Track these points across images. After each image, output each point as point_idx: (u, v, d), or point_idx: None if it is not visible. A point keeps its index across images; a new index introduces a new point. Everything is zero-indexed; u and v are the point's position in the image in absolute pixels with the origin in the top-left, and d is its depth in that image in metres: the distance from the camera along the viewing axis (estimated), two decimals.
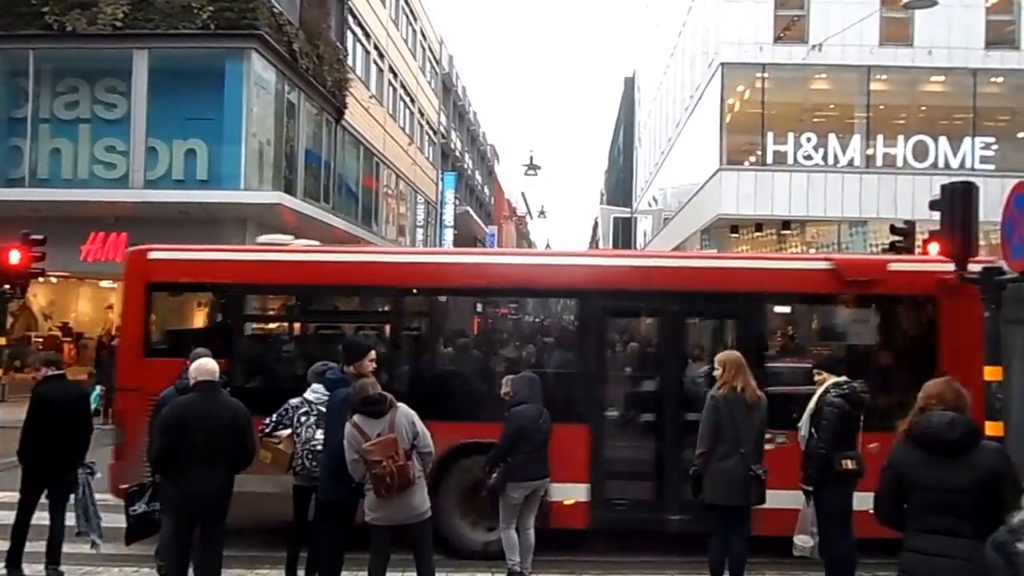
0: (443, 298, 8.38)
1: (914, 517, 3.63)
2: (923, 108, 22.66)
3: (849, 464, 5.73)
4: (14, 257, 11.71)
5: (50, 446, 6.45)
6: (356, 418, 5.38)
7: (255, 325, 8.88)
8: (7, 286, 11.80)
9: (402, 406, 5.54)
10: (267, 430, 6.15)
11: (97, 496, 6.76)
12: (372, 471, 5.19)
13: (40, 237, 12.12)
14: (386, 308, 8.45)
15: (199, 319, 9.23)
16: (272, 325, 9.21)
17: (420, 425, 5.51)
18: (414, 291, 8.07)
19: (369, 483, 5.26)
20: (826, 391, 5.97)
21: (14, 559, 6.49)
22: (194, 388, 5.53)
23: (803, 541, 5.89)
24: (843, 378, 6.03)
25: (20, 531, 6.52)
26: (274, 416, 6.20)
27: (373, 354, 6.15)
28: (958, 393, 3.78)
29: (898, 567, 3.72)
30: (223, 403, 5.55)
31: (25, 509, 6.55)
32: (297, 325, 8.90)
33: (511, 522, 6.40)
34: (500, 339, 8.51)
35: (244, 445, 5.48)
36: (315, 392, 6.18)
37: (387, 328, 8.34)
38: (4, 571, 6.48)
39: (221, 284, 8.06)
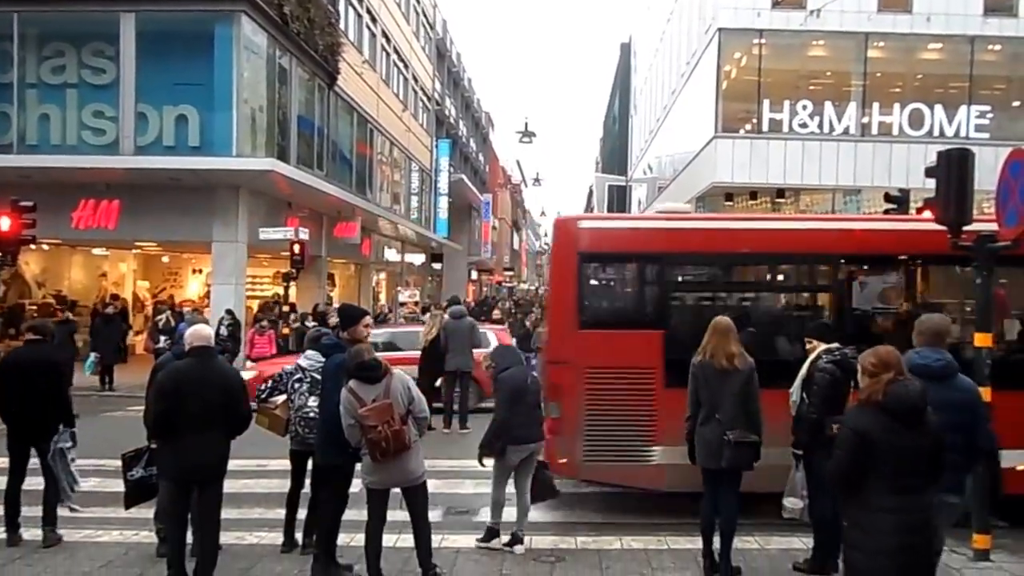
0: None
1: (881, 479, 3.81)
2: (920, 76, 22.55)
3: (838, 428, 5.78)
4: (4, 224, 11.64)
5: (17, 411, 6.54)
6: (352, 383, 5.41)
7: (689, 295, 8.50)
8: None
9: (398, 371, 5.57)
10: (262, 396, 6.22)
11: (81, 462, 6.81)
12: (367, 436, 5.23)
13: (30, 204, 12.03)
14: (831, 277, 7.92)
15: (626, 290, 8.78)
16: (705, 295, 8.64)
17: (416, 391, 5.56)
18: (864, 259, 7.81)
19: (365, 448, 5.31)
20: (818, 357, 6.03)
21: (11, 523, 6.57)
22: (189, 354, 5.53)
23: (793, 504, 5.97)
24: (834, 345, 6.09)
25: (11, 495, 6.59)
26: (269, 382, 6.27)
27: (368, 319, 6.17)
28: (895, 363, 4.02)
29: (862, 527, 3.87)
30: (218, 369, 5.57)
31: (13, 472, 6.62)
32: (732, 295, 8.52)
33: (503, 483, 6.56)
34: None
35: (239, 411, 5.50)
36: (308, 359, 6.25)
37: (828, 297, 7.95)
38: (3, 535, 6.55)
39: (654, 253, 7.78)
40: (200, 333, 5.63)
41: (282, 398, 6.12)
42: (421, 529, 5.64)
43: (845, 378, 5.85)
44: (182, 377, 5.42)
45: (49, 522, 6.59)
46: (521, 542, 6.48)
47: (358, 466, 5.67)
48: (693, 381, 6.09)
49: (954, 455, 4.19)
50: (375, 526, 5.54)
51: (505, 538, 6.54)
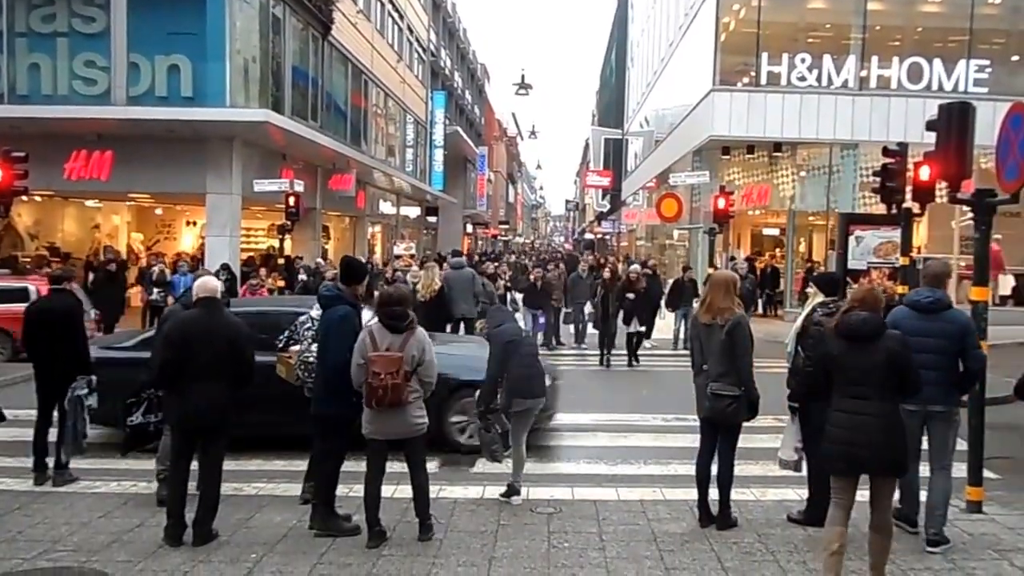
0: None
1: (840, 388, 4.85)
2: (919, 29, 22.21)
3: None
4: None
5: (46, 358, 6.77)
6: (374, 326, 5.51)
7: None
8: None
9: (419, 331, 5.62)
10: (280, 345, 6.39)
11: None
12: (368, 380, 5.32)
13: (22, 154, 11.88)
14: None
15: None
16: None
17: (430, 355, 5.58)
18: None
19: (363, 391, 5.39)
20: (813, 310, 6.05)
21: (38, 464, 6.82)
22: (196, 304, 5.58)
23: (787, 456, 6.06)
24: (830, 298, 6.07)
25: (39, 439, 6.81)
26: (287, 332, 6.42)
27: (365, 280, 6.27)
28: (876, 298, 4.97)
29: (828, 425, 4.87)
30: (225, 320, 5.61)
31: (42, 416, 6.88)
32: None
33: (522, 440, 6.61)
34: None
35: (244, 362, 5.55)
36: (319, 309, 6.24)
37: None
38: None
39: None
40: (207, 285, 5.70)
41: (297, 347, 6.18)
42: (419, 480, 5.70)
43: None
44: (189, 327, 5.48)
45: (60, 465, 6.78)
46: (518, 493, 6.54)
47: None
48: (691, 332, 6.47)
49: (943, 373, 5.41)
50: (374, 476, 5.61)
51: (501, 489, 6.61)
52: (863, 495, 4.90)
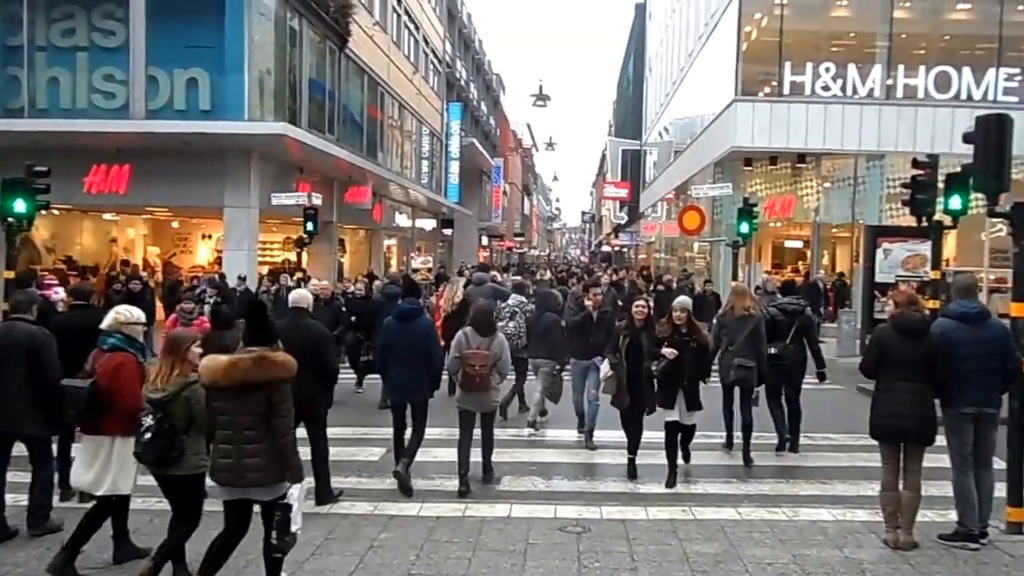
0: None
1: (890, 373, 5.95)
2: (946, 37, 21.90)
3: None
4: (21, 206, 11.37)
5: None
6: (468, 330, 7.47)
7: None
8: (12, 219, 11.58)
9: (500, 335, 7.63)
10: None
11: None
12: (465, 370, 7.21)
13: (44, 169, 11.85)
14: None
15: None
16: None
17: (506, 353, 7.56)
18: None
19: (459, 379, 7.33)
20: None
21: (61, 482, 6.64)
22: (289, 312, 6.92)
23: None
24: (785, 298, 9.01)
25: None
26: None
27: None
28: (918, 301, 6.41)
29: (875, 402, 6.06)
30: (306, 325, 6.76)
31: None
32: None
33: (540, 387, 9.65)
34: None
35: (320, 361, 6.58)
36: (516, 298, 10.52)
37: None
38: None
39: None
40: (300, 294, 7.18)
41: (498, 324, 8.65)
42: (487, 437, 7.62)
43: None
44: (284, 332, 5.77)
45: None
46: (534, 427, 9.49)
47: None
48: (717, 326, 8.97)
49: (994, 377, 5.96)
50: (465, 439, 7.35)
51: (528, 507, 6.72)
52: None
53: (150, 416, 4.80)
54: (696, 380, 7.65)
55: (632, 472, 7.80)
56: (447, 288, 13.17)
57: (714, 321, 9.30)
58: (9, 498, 6.07)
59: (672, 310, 7.85)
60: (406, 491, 7.04)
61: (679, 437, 7.76)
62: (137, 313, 5.62)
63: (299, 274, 18.02)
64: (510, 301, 10.44)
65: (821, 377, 9.14)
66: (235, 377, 4.49)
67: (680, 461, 7.81)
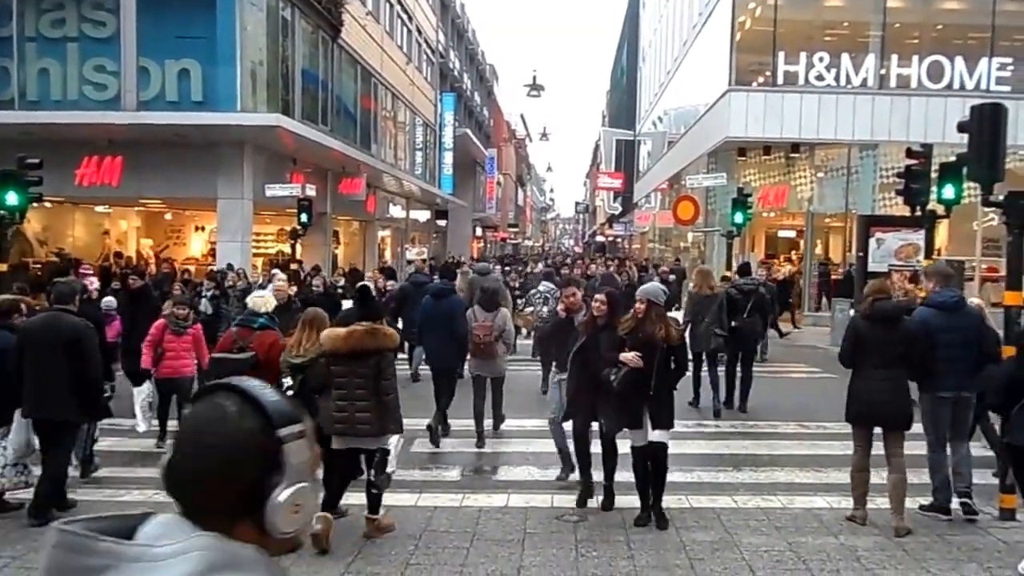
0: None
1: (865, 360, 6.09)
2: (939, 27, 21.89)
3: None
4: (12, 199, 11.29)
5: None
6: (476, 307, 8.59)
7: None
8: (4, 211, 11.51)
9: (503, 311, 8.62)
10: (520, 308, 12.25)
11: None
12: (472, 339, 8.28)
13: (36, 160, 11.77)
14: None
15: None
16: None
17: (509, 326, 8.67)
18: None
19: (470, 348, 8.35)
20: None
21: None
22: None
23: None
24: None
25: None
26: (524, 299, 11.37)
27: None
28: (888, 289, 6.57)
29: (851, 389, 6.21)
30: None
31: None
32: None
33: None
34: None
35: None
36: (546, 285, 11.12)
37: None
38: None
39: None
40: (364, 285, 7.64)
41: (530, 309, 10.84)
42: (497, 404, 8.76)
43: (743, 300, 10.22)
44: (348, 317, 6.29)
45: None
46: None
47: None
48: (691, 302, 10.52)
49: (970, 363, 6.18)
50: (478, 402, 8.48)
51: (526, 496, 6.74)
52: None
53: (289, 378, 5.80)
54: (665, 390, 6.06)
55: (608, 503, 6.38)
56: (459, 279, 13.48)
57: (684, 298, 11.35)
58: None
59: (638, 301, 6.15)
60: (435, 442, 8.20)
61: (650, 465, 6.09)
62: (271, 298, 7.19)
63: (294, 265, 18.02)
64: (540, 287, 11.36)
65: (779, 333, 13.00)
66: (351, 344, 5.45)
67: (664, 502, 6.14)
